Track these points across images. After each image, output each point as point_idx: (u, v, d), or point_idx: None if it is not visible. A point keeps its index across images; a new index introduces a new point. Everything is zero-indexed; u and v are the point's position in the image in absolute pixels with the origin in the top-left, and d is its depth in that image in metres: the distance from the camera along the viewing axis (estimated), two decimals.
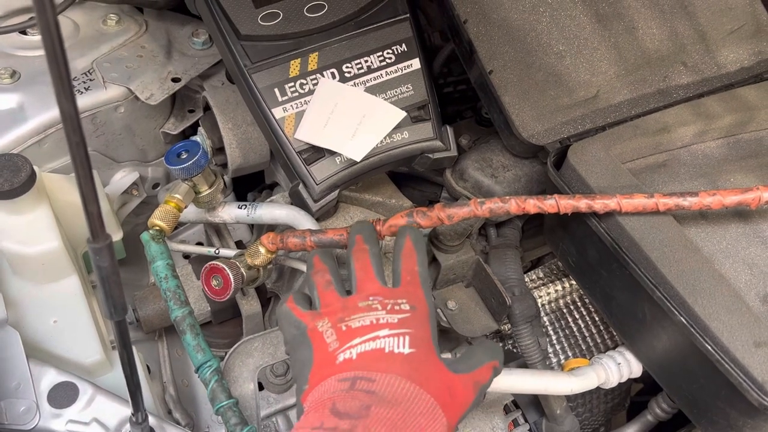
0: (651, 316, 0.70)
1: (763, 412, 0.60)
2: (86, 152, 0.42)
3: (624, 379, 0.78)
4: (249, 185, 1.09)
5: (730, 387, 0.62)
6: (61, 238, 0.75)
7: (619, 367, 0.77)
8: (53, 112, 0.86)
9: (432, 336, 0.57)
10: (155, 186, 1.04)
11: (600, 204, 0.71)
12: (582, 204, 0.71)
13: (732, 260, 0.73)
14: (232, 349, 0.74)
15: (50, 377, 0.67)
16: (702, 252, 0.70)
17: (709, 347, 0.63)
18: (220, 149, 0.91)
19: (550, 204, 0.71)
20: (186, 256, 1.00)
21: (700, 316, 0.65)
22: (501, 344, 0.98)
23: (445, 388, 0.54)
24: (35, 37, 0.93)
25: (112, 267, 0.47)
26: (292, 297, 0.61)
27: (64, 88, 0.39)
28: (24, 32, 0.93)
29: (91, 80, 0.91)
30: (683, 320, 0.65)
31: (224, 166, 0.92)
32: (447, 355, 0.63)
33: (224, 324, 0.90)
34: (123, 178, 0.98)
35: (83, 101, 0.89)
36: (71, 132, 0.41)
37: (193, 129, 1.00)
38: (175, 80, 0.94)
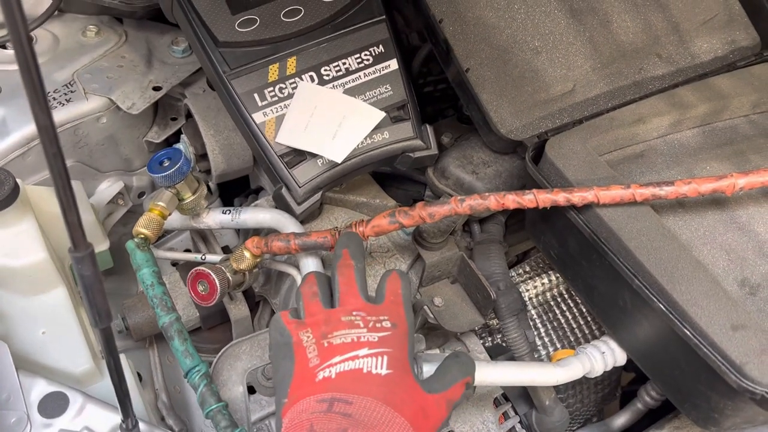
0: (632, 305, 0.71)
1: (743, 393, 0.61)
2: (63, 161, 0.43)
3: (609, 368, 0.79)
4: (236, 191, 1.09)
5: (709, 370, 0.63)
6: (47, 249, 0.76)
7: (603, 356, 0.78)
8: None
9: (409, 355, 0.60)
10: (141, 195, 1.04)
11: (578, 197, 0.72)
12: (560, 197, 0.72)
13: (709, 247, 0.74)
14: (220, 353, 0.75)
15: (40, 388, 0.67)
16: (680, 240, 0.71)
17: (688, 332, 0.65)
18: (203, 156, 0.92)
19: (529, 199, 0.72)
20: (174, 263, 1.00)
21: (679, 302, 0.66)
22: (490, 338, 0.99)
23: (419, 409, 0.57)
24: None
25: (95, 275, 0.47)
26: (288, 310, 0.63)
27: (39, 100, 0.39)
28: (4, 46, 0.94)
29: (72, 92, 0.91)
30: (662, 307, 0.67)
31: (208, 172, 0.93)
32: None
33: (213, 329, 0.91)
34: (108, 188, 0.99)
35: (65, 113, 0.90)
36: (48, 143, 0.41)
37: (176, 137, 1.01)
38: (156, 89, 0.94)
